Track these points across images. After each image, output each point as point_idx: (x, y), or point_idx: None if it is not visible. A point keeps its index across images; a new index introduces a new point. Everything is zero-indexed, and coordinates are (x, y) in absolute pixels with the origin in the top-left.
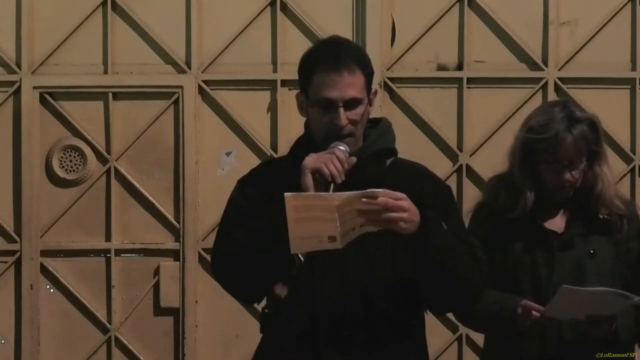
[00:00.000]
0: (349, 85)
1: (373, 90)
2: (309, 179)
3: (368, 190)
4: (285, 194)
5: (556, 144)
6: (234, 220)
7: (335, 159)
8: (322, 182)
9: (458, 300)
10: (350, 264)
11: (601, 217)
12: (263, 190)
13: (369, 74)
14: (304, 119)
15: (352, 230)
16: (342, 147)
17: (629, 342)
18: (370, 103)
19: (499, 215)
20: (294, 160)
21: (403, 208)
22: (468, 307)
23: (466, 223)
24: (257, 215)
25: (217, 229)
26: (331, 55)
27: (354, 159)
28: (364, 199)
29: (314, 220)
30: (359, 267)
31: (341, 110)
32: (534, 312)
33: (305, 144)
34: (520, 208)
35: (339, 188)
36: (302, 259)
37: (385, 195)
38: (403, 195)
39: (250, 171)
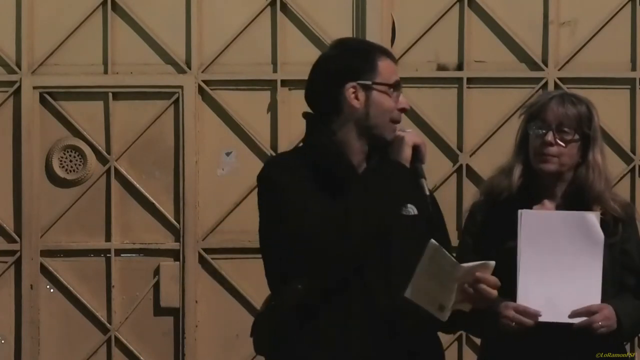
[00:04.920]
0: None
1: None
2: (409, 151)
3: (481, 262)
4: (431, 240)
5: (545, 106)
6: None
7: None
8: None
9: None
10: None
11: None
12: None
13: None
14: (304, 120)
15: (453, 304)
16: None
17: (632, 332)
18: None
19: (493, 211)
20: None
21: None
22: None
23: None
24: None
25: (265, 215)
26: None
27: None
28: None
29: (438, 281)
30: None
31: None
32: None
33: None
34: (508, 185)
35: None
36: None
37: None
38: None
39: (272, 164)
